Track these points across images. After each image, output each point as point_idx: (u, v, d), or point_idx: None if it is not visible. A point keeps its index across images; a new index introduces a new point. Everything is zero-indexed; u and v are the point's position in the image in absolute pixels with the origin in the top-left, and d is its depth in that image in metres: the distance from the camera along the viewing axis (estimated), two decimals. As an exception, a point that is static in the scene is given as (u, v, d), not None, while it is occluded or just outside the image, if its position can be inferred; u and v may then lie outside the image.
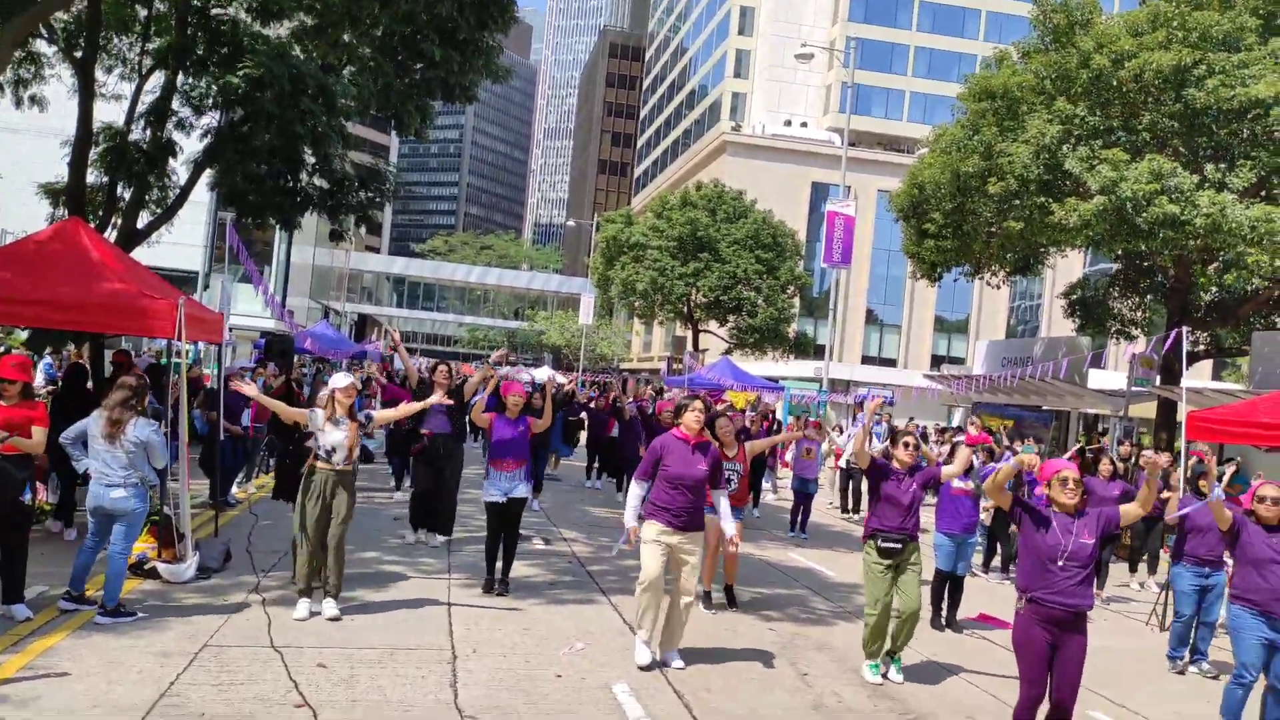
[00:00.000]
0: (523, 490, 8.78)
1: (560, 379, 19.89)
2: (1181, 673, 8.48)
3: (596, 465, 18.61)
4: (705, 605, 8.97)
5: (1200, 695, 7.84)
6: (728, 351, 39.66)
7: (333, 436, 7.49)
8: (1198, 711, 7.31)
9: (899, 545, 7.17)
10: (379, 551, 10.15)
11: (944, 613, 9.36)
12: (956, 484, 9.38)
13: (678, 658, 7.00)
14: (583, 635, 7.52)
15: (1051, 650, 5.45)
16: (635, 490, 7.07)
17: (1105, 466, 11.60)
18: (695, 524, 6.99)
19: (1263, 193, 17.92)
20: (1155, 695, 7.68)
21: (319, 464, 7.51)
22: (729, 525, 7.22)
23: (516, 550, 9.08)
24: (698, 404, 7.09)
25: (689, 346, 41.83)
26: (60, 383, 14.31)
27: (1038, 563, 5.49)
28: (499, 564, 8.82)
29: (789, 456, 17.62)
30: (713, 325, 41.61)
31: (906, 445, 7.40)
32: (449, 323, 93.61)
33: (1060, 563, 5.42)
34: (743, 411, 26.00)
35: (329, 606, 7.45)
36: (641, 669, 6.78)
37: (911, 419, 27.95)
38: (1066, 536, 5.47)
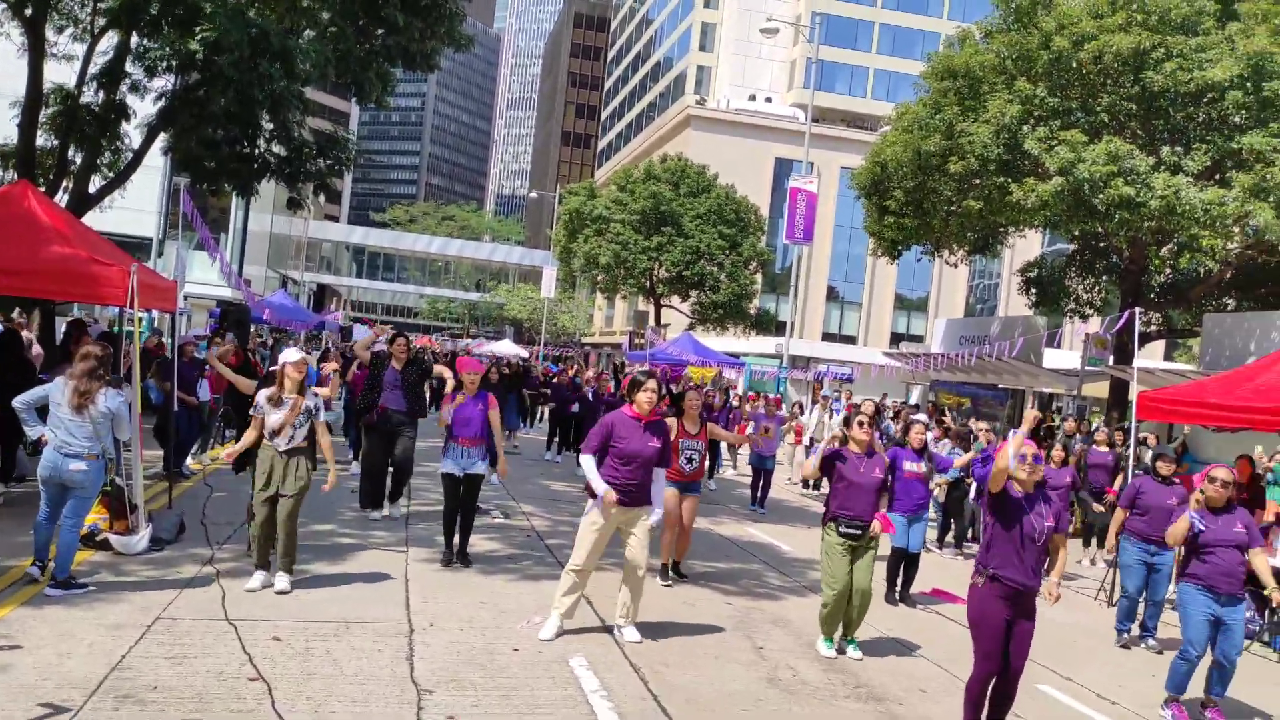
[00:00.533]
0: (481, 467, 8.76)
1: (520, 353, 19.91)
2: (1126, 647, 8.68)
3: (557, 439, 18.63)
4: (661, 578, 9.03)
5: (1146, 669, 8.03)
6: (690, 327, 39.74)
7: (274, 418, 7.38)
8: (1143, 685, 7.49)
9: (860, 531, 7.22)
10: (335, 524, 10.09)
11: (898, 588, 9.50)
12: (908, 466, 9.50)
13: (634, 630, 7.04)
14: (541, 609, 7.52)
15: (1007, 626, 5.54)
16: (589, 460, 6.99)
17: (1057, 453, 11.76)
18: (643, 499, 7.03)
19: (1217, 176, 18.18)
20: (1102, 669, 7.86)
21: (265, 441, 7.43)
22: (656, 512, 7.24)
23: (474, 524, 9.06)
24: (651, 384, 7.07)
25: (651, 321, 41.87)
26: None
27: (1010, 543, 5.54)
28: (457, 537, 8.81)
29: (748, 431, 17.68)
30: (675, 300, 41.65)
31: (861, 424, 7.43)
32: (409, 294, 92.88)
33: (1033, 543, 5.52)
34: (702, 388, 26.09)
35: (280, 580, 7.40)
36: (544, 641, 6.77)
37: (886, 396, 28.19)
38: (1037, 519, 5.54)
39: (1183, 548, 7.09)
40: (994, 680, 5.59)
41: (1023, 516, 5.55)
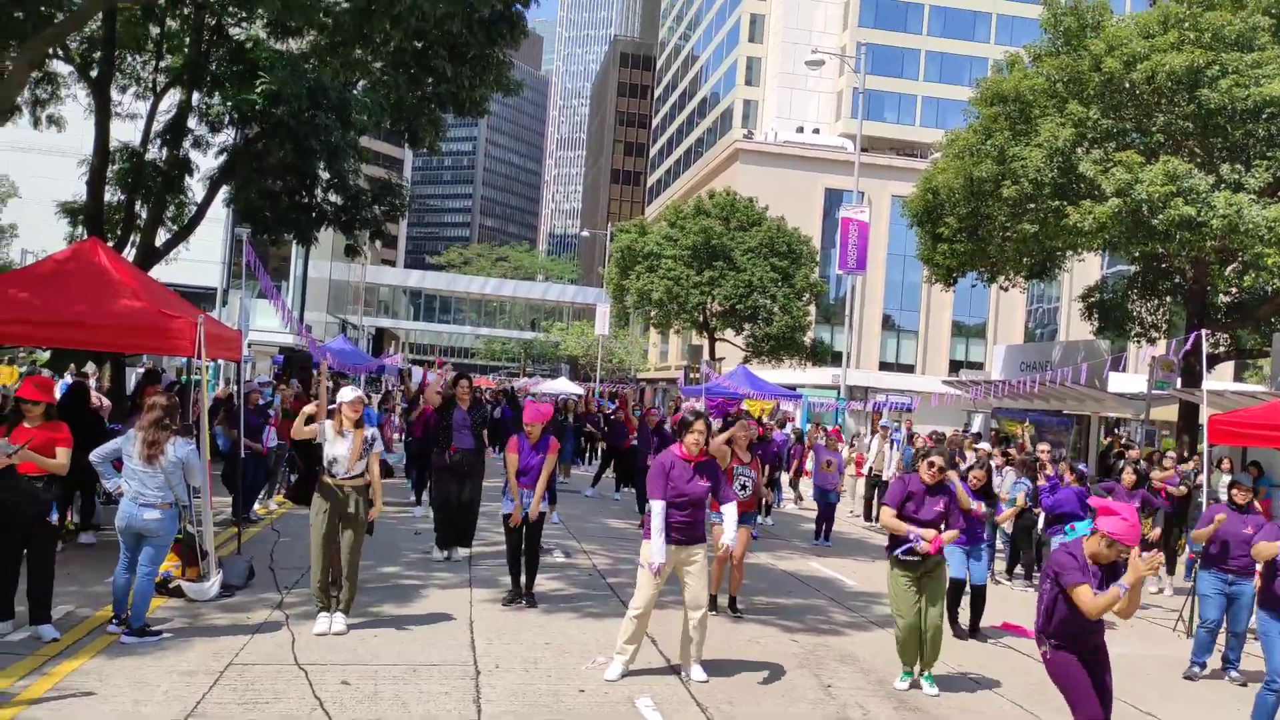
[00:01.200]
0: (541, 506, 8.81)
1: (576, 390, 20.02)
2: (1191, 679, 8.37)
3: (614, 476, 18.62)
4: (710, 608, 9.01)
5: (1225, 702, 7.77)
6: (745, 360, 39.60)
7: (336, 449, 7.53)
8: (1219, 716, 7.25)
9: (918, 559, 7.18)
10: (399, 566, 10.19)
11: (959, 621, 9.33)
12: (968, 504, 9.34)
13: (700, 670, 7.00)
14: (605, 648, 7.51)
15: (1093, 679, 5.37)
16: (659, 509, 6.88)
17: (1128, 476, 11.47)
18: (696, 537, 7.02)
19: (1279, 194, 17.80)
20: (1180, 702, 7.62)
21: (324, 478, 7.57)
22: (729, 535, 7.28)
23: (538, 564, 9.09)
24: (700, 424, 7.08)
25: (705, 355, 41.85)
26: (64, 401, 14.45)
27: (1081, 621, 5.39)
28: (522, 577, 8.85)
29: (808, 465, 17.59)
30: (729, 334, 41.59)
31: (930, 465, 7.40)
32: (465, 334, 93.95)
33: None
34: (759, 420, 25.94)
35: (338, 621, 7.51)
36: (610, 681, 6.76)
37: (965, 428, 27.80)
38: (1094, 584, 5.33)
39: (1261, 578, 6.87)
40: None
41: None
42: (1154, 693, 7.77)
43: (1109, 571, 5.26)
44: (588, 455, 23.50)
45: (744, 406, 30.28)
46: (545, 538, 12.57)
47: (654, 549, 6.80)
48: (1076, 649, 5.35)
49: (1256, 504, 8.80)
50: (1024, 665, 8.27)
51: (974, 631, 9.30)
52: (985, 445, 18.51)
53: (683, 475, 6.98)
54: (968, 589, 9.44)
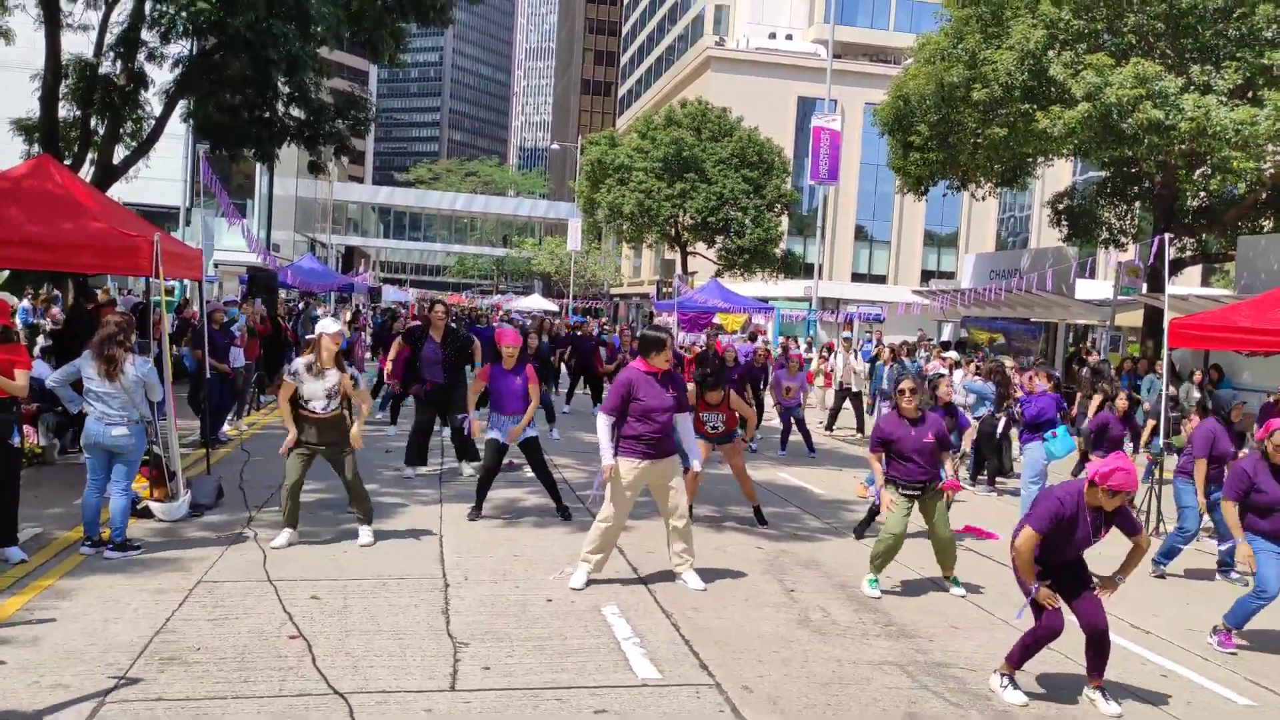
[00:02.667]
0: (531, 431, 8.95)
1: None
2: (1161, 578, 8.62)
3: (588, 392, 18.68)
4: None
5: (1178, 598, 8.00)
6: (717, 273, 39.56)
7: (312, 387, 7.51)
8: (1175, 613, 7.48)
9: (919, 492, 7.41)
10: (376, 484, 10.23)
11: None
12: None
13: (696, 577, 7.16)
14: (574, 559, 7.62)
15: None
16: (605, 422, 6.98)
17: (1121, 402, 11.63)
18: (668, 449, 7.09)
19: (1249, 94, 17.75)
20: (1133, 599, 7.84)
21: (303, 412, 7.56)
22: (695, 463, 7.44)
23: (503, 477, 9.23)
24: (667, 350, 7.07)
25: (678, 269, 41.72)
26: (64, 324, 14.30)
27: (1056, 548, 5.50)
28: (509, 492, 9.05)
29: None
30: (701, 247, 41.44)
31: (904, 394, 7.53)
32: (436, 252, 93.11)
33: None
34: (732, 334, 26.03)
35: (364, 533, 7.75)
36: (575, 590, 6.91)
37: (922, 334, 28.00)
38: (1085, 528, 5.43)
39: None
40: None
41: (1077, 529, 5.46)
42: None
43: (1108, 518, 5.39)
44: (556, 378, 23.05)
45: (716, 320, 30.38)
46: (514, 453, 12.72)
47: (604, 453, 6.93)
48: (1049, 564, 5.48)
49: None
50: (984, 566, 8.48)
51: None
52: (953, 354, 18.69)
53: (649, 390, 6.98)
54: None
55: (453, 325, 10.95)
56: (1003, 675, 5.55)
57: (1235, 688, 5.91)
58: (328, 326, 7.68)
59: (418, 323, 12.34)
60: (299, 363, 7.59)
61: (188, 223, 34.61)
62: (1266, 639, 6.91)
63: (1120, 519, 5.43)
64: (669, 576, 7.27)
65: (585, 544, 7.12)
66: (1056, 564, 5.50)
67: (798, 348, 22.98)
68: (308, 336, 8.05)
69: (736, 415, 9.56)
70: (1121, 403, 11.66)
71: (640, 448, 6.96)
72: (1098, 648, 5.45)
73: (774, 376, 15.66)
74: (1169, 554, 8.69)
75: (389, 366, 11.62)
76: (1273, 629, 7.12)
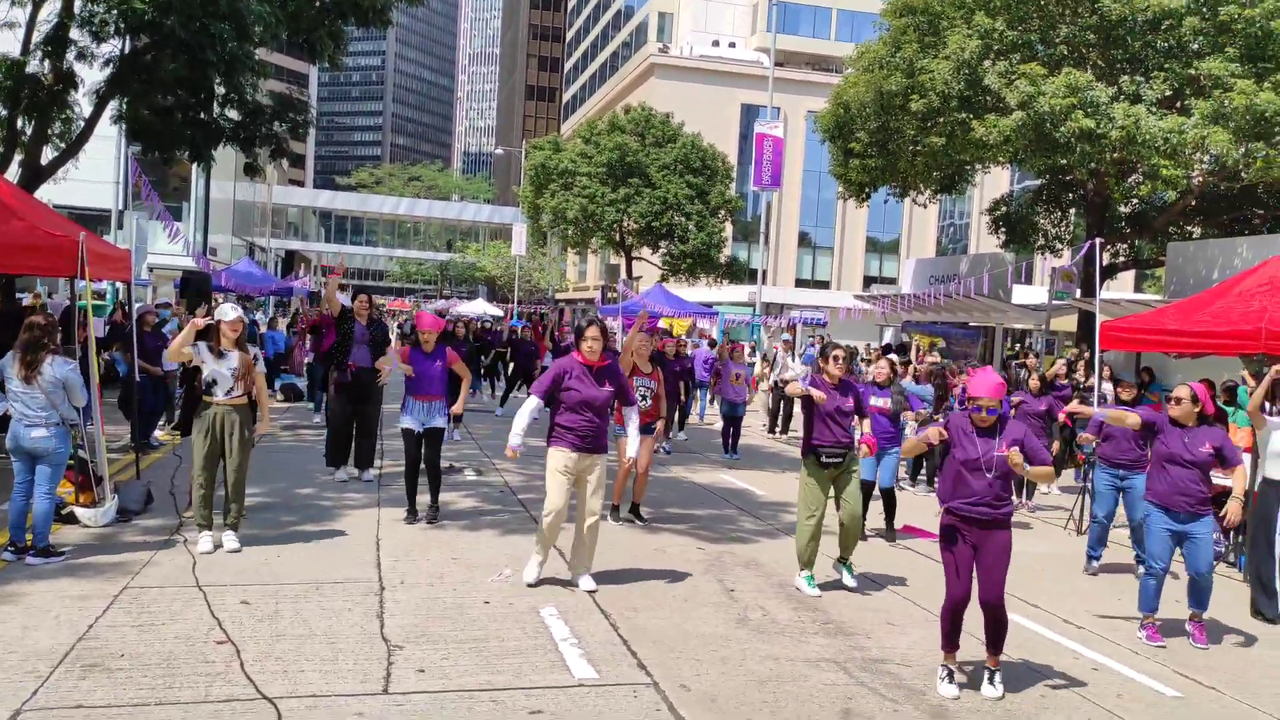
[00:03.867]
0: (440, 421, 8.82)
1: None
2: (1094, 574, 8.79)
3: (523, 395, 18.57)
4: (613, 517, 9.30)
5: (1111, 593, 8.15)
6: (662, 278, 39.63)
7: (214, 367, 7.38)
8: (1104, 607, 7.62)
9: (840, 459, 7.39)
10: (312, 488, 10.09)
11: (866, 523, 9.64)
12: (873, 401, 9.56)
13: (590, 579, 7.07)
14: (513, 561, 7.57)
15: (974, 551, 5.60)
16: (531, 404, 7.10)
17: (1034, 382, 11.86)
18: (598, 446, 7.05)
19: (1177, 104, 18.21)
20: (1070, 596, 7.98)
21: (205, 398, 7.44)
22: (632, 446, 7.39)
23: (444, 480, 9.09)
24: (593, 330, 7.06)
25: (622, 274, 41.74)
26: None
27: (958, 474, 5.62)
28: (425, 496, 8.84)
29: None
30: (645, 252, 41.49)
31: (836, 359, 7.54)
32: (379, 256, 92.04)
33: (986, 474, 5.55)
34: (678, 338, 26.05)
35: (229, 539, 7.45)
36: (530, 585, 6.94)
37: (870, 346, 28.28)
38: (987, 449, 5.57)
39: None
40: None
41: (970, 448, 5.61)
42: (1042, 587, 8.11)
43: (988, 433, 5.64)
44: (492, 379, 22.72)
45: (661, 324, 30.44)
46: (461, 457, 12.61)
47: (514, 434, 7.01)
48: (963, 518, 5.58)
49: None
50: (924, 565, 8.57)
51: (889, 532, 9.61)
52: (894, 356, 18.91)
53: (584, 381, 6.96)
54: (876, 492, 9.74)
55: (374, 317, 10.82)
56: (942, 667, 5.62)
57: (1164, 680, 6.03)
58: (226, 314, 7.57)
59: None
60: (202, 345, 7.45)
61: (120, 226, 33.85)
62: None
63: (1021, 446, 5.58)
64: (608, 577, 7.23)
65: (537, 537, 7.12)
66: (968, 508, 5.58)
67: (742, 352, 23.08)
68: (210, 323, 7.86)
69: (660, 406, 9.63)
70: (1034, 382, 11.85)
71: (571, 438, 6.93)
72: (994, 625, 5.62)
73: (723, 366, 15.66)
74: (1098, 543, 8.88)
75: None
76: (1213, 618, 7.28)
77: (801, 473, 7.53)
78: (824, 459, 7.36)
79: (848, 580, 7.51)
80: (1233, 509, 6.90)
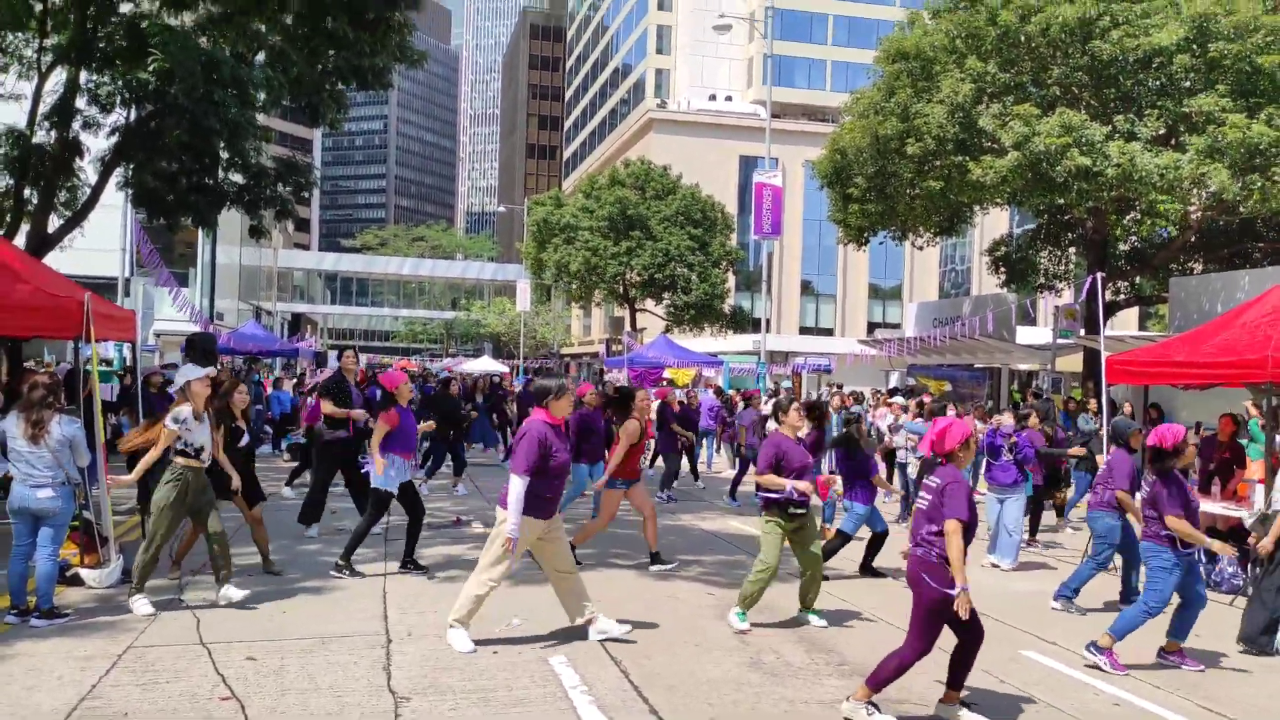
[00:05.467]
0: (414, 474, 9.09)
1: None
2: (1068, 611, 8.58)
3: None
4: (653, 563, 9.35)
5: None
6: (666, 329, 39.74)
7: (201, 436, 7.42)
8: (1123, 642, 7.49)
9: (805, 510, 7.43)
10: (317, 544, 10.02)
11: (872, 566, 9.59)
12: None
13: (609, 621, 6.95)
14: (521, 612, 7.49)
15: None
16: (520, 485, 6.39)
17: (1034, 420, 11.78)
18: (557, 509, 6.87)
19: (1172, 141, 18.35)
20: (1078, 632, 7.85)
21: (183, 460, 7.37)
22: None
23: (450, 534, 9.05)
24: (571, 390, 7.02)
25: (627, 326, 41.86)
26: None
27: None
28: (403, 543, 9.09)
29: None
30: (649, 304, 41.66)
31: (799, 410, 7.69)
32: (384, 317, 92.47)
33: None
34: (684, 387, 26.06)
35: (233, 592, 7.39)
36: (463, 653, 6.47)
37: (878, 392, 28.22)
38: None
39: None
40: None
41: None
42: (1050, 624, 7.99)
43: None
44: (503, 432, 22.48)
45: (666, 375, 30.43)
46: (466, 510, 12.57)
47: (511, 524, 6.40)
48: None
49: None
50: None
51: (864, 568, 9.59)
52: (899, 399, 18.85)
53: (558, 444, 6.68)
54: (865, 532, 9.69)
55: (366, 370, 10.83)
56: (947, 704, 5.53)
57: (1189, 714, 5.91)
58: (193, 373, 7.62)
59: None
60: (184, 410, 7.39)
61: (127, 294, 34.09)
62: (1215, 659, 6.94)
63: None
64: (619, 623, 7.12)
65: (456, 608, 6.65)
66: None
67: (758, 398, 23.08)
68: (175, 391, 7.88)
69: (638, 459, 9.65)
70: (1034, 420, 11.76)
71: (545, 507, 6.65)
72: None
73: (743, 414, 15.66)
74: (1079, 581, 8.68)
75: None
76: (1217, 649, 7.16)
77: (764, 525, 7.48)
78: (793, 510, 7.35)
79: (816, 621, 7.53)
80: (1266, 543, 6.87)
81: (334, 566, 8.63)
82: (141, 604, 7.22)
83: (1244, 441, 12.44)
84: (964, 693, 5.68)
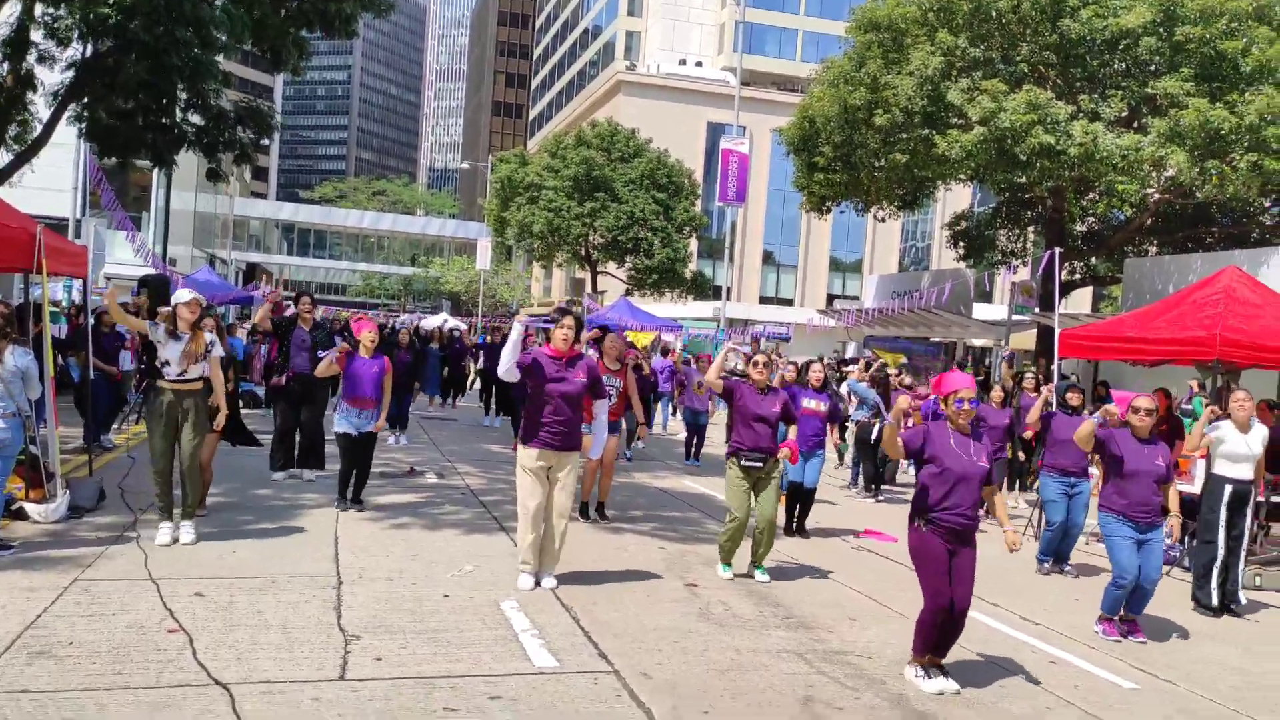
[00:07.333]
0: (370, 427, 9.04)
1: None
2: (1047, 574, 8.87)
3: (494, 403, 18.44)
4: (582, 514, 9.37)
5: (1068, 594, 8.23)
6: (627, 293, 39.68)
7: (168, 350, 7.33)
8: (1063, 607, 7.69)
9: (759, 464, 7.49)
10: (269, 489, 9.97)
11: (794, 521, 9.75)
12: (806, 403, 9.68)
13: (552, 578, 6.98)
14: (473, 559, 7.52)
15: (950, 558, 5.56)
16: (516, 332, 6.80)
17: (996, 394, 11.94)
18: (571, 443, 6.93)
19: (1134, 123, 18.57)
20: (1027, 595, 8.05)
21: (159, 382, 7.38)
22: (597, 447, 7.60)
23: (405, 483, 9.06)
24: (568, 320, 6.96)
25: (588, 288, 41.75)
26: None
27: (952, 484, 5.54)
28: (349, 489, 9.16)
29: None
30: (611, 267, 41.54)
31: (756, 364, 7.73)
32: (342, 270, 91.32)
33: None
34: (642, 350, 26.05)
35: (185, 531, 7.38)
36: (525, 591, 6.79)
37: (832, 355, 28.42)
38: (968, 457, 5.54)
39: (1102, 479, 7.24)
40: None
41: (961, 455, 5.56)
42: (1001, 588, 8.17)
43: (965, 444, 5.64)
44: (453, 392, 22.35)
45: (627, 337, 30.45)
46: (420, 460, 12.55)
47: (511, 345, 6.73)
48: (946, 528, 5.51)
49: (1088, 410, 9.27)
50: (883, 566, 8.62)
51: (799, 530, 9.72)
52: (854, 368, 19.05)
53: (556, 371, 6.84)
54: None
55: (318, 319, 10.79)
56: (918, 666, 5.58)
57: (1121, 673, 6.08)
58: (181, 296, 7.53)
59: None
60: (160, 326, 7.40)
61: (78, 235, 33.34)
62: (1151, 625, 7.13)
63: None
64: (570, 574, 7.18)
65: (520, 545, 7.03)
66: (954, 518, 5.53)
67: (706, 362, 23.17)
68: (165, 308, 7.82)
69: (624, 405, 9.81)
70: (996, 393, 11.92)
71: (546, 436, 6.81)
72: (954, 630, 5.60)
73: (686, 373, 15.71)
74: (1050, 549, 8.96)
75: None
76: (1159, 615, 7.36)
77: (727, 473, 7.64)
78: (744, 462, 7.46)
79: (760, 577, 7.63)
80: (1174, 525, 7.04)
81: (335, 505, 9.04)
82: (160, 532, 7.34)
83: (1186, 420, 12.73)
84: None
